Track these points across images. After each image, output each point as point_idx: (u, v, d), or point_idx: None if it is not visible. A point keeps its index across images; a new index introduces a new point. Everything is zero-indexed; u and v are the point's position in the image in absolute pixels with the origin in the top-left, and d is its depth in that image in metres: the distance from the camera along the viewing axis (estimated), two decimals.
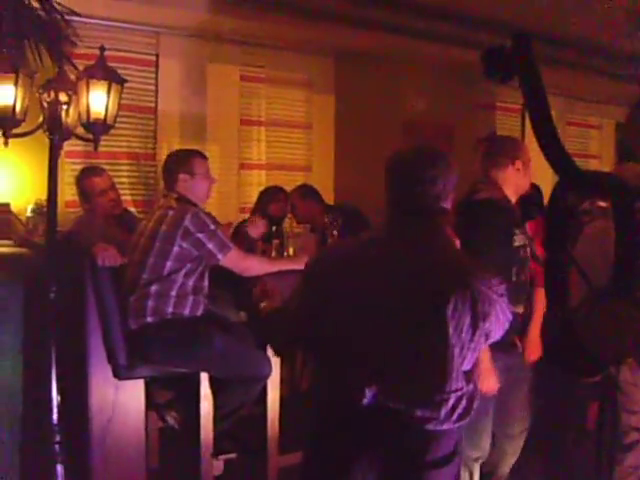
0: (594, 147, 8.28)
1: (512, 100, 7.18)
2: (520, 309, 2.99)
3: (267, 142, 5.93)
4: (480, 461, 3.22)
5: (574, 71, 7.32)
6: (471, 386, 2.00)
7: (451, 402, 1.94)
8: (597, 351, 1.30)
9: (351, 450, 2.03)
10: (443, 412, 1.94)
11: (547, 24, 6.26)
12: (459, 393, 1.96)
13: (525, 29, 5.84)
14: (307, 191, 5.34)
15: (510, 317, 2.08)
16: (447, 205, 2.12)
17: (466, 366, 1.99)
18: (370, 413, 1.97)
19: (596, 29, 6.41)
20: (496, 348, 2.77)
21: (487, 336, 2.02)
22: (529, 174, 3.20)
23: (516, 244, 3.00)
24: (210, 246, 3.40)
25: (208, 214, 3.56)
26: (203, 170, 3.65)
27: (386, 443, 2.00)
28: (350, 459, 2.04)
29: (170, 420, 3.67)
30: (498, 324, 2.02)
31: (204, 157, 3.72)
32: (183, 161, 3.63)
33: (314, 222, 5.07)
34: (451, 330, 1.91)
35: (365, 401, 1.96)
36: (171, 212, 3.44)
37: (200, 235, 3.38)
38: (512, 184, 3.16)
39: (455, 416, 1.98)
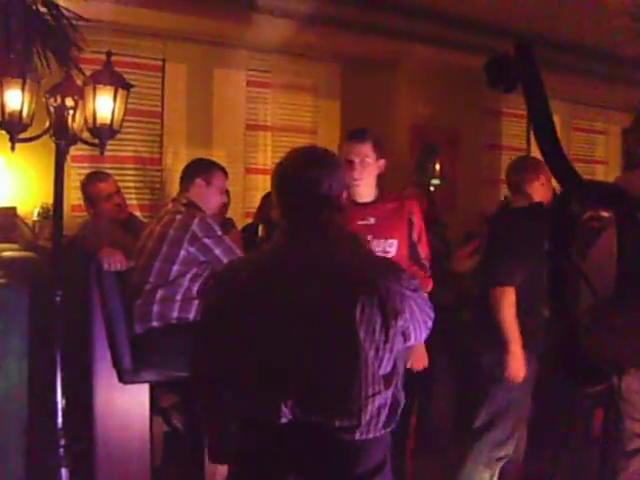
0: (600, 153, 8.28)
1: (518, 106, 7.18)
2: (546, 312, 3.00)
3: (273, 147, 5.95)
4: (503, 461, 3.23)
5: (580, 77, 7.31)
6: (391, 391, 1.92)
7: (370, 408, 1.85)
8: (599, 361, 1.30)
9: (276, 473, 1.93)
10: (364, 420, 1.85)
11: (553, 29, 6.27)
12: (378, 398, 1.87)
13: (531, 34, 5.87)
14: None
15: (432, 314, 2.03)
16: (341, 201, 2.03)
17: (384, 369, 1.90)
18: (290, 431, 1.88)
19: (602, 34, 6.41)
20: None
21: (405, 335, 1.95)
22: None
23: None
24: (217, 252, 3.41)
25: (229, 219, 3.56)
26: (220, 183, 3.68)
27: (311, 461, 1.90)
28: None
29: (176, 423, 3.68)
30: (416, 322, 1.96)
31: (225, 173, 3.75)
32: (205, 169, 3.66)
33: None
34: (362, 334, 1.84)
35: (283, 420, 1.87)
36: (179, 216, 3.45)
37: (207, 240, 3.39)
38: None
39: (380, 424, 1.89)
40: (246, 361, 1.94)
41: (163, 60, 5.37)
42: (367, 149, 3.18)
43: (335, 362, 1.87)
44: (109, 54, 3.50)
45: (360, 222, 3.10)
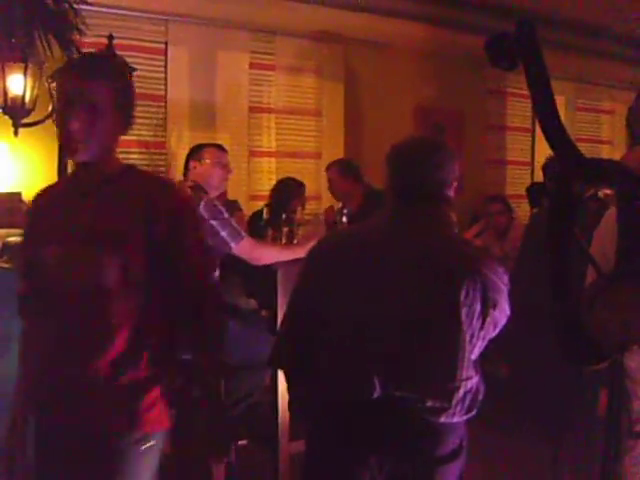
0: (606, 133, 8.23)
1: (523, 86, 7.12)
2: None
3: (277, 130, 5.93)
4: None
5: (585, 55, 7.27)
6: (478, 377, 1.95)
7: (462, 391, 1.88)
8: (602, 338, 1.31)
9: (358, 451, 1.96)
10: (454, 402, 1.87)
11: (557, 7, 6.23)
12: (469, 383, 1.90)
13: (534, 13, 5.83)
14: (346, 167, 5.17)
15: (509, 311, 2.02)
16: (451, 194, 2.08)
17: (475, 355, 1.94)
18: (379, 407, 1.90)
19: (607, 12, 6.36)
20: None
21: (496, 326, 1.97)
22: None
23: None
24: (224, 234, 3.41)
25: (234, 202, 3.57)
26: (214, 158, 3.68)
27: (395, 439, 1.92)
28: (357, 460, 1.97)
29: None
30: (503, 315, 1.98)
31: (220, 148, 3.77)
32: (195, 150, 3.71)
33: (350, 200, 4.86)
34: (463, 316, 1.86)
35: (374, 394, 1.88)
36: None
37: (214, 222, 3.40)
38: None
39: (464, 409, 1.92)
40: (343, 332, 1.96)
41: (165, 43, 5.34)
42: None
43: (434, 341, 1.89)
44: (111, 38, 3.49)
45: None
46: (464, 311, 1.86)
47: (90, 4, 4.01)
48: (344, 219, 4.33)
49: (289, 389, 2.13)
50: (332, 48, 6.05)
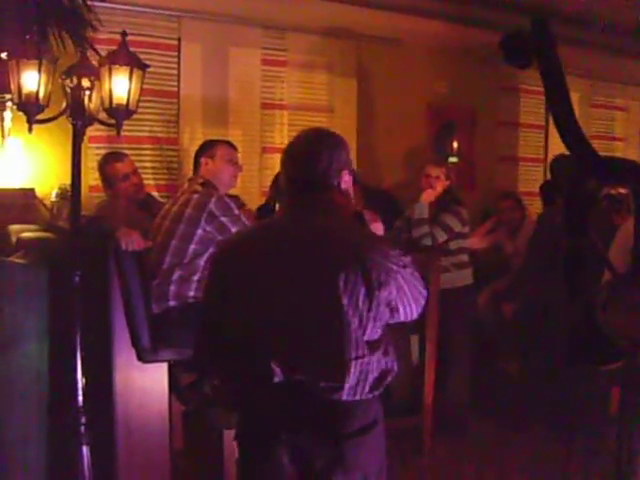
0: (620, 129, 8.17)
1: (536, 82, 7.09)
2: None
3: (289, 126, 5.92)
4: None
5: (599, 52, 7.23)
6: (376, 356, 2.03)
7: (354, 371, 1.98)
8: (616, 338, 1.30)
9: (273, 431, 2.08)
10: (348, 381, 1.98)
11: (571, 3, 6.19)
12: (361, 362, 1.99)
13: (548, 9, 5.79)
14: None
15: (424, 292, 2.14)
16: (338, 181, 2.16)
17: (370, 336, 2.02)
18: (283, 390, 2.04)
19: (622, 9, 6.32)
20: None
21: (393, 308, 2.05)
22: None
23: None
24: (234, 230, 3.42)
25: (236, 197, 3.59)
26: (225, 155, 3.70)
27: (302, 419, 2.05)
28: (274, 439, 2.08)
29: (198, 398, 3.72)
30: (405, 297, 2.06)
31: (231, 145, 3.79)
32: (206, 147, 3.73)
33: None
34: (346, 301, 1.96)
35: (275, 379, 2.02)
36: (196, 196, 3.47)
37: (224, 219, 3.41)
38: None
39: (367, 387, 2.01)
40: (243, 325, 2.11)
41: (178, 39, 5.35)
42: None
43: (321, 327, 2.01)
44: (124, 34, 3.49)
45: None
46: (346, 295, 1.97)
47: (103, 1, 4.02)
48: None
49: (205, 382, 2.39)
50: (344, 44, 6.04)
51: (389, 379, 2.08)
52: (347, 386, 1.99)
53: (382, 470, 2.16)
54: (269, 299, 2.08)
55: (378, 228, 3.24)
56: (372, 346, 2.02)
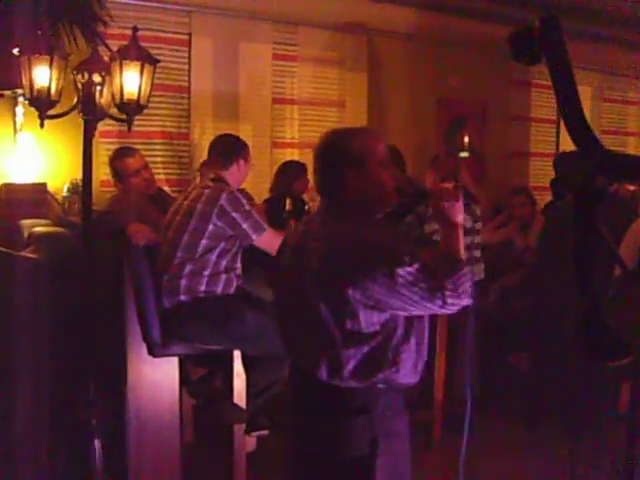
0: (632, 124, 8.14)
1: (547, 77, 7.05)
2: None
3: (300, 121, 5.93)
4: None
5: (611, 46, 7.19)
6: (366, 348, 2.10)
7: (344, 360, 2.10)
8: (624, 333, 1.30)
9: (290, 419, 2.35)
10: (344, 369, 2.10)
11: None
12: (347, 353, 2.10)
13: (561, 3, 5.75)
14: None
15: (424, 294, 2.07)
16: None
17: (366, 328, 2.09)
18: (293, 378, 2.36)
19: (635, 2, 6.29)
20: None
21: (378, 307, 2.07)
22: None
23: None
24: (245, 226, 3.43)
25: (245, 193, 3.59)
26: (251, 159, 3.74)
27: (303, 400, 2.28)
28: (291, 428, 2.37)
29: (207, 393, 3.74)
30: (396, 295, 2.05)
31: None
32: (242, 148, 3.71)
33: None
34: (322, 303, 2.10)
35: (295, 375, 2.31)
36: (207, 191, 3.47)
37: (235, 214, 3.41)
38: None
39: (360, 375, 2.10)
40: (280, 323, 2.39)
41: (189, 34, 5.36)
42: None
43: (303, 326, 2.21)
44: (135, 29, 3.50)
45: None
46: (322, 298, 2.11)
47: None
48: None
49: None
50: (355, 39, 6.04)
51: (381, 370, 2.13)
52: (344, 375, 2.11)
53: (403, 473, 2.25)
54: (284, 302, 2.36)
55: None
56: (361, 339, 2.10)
